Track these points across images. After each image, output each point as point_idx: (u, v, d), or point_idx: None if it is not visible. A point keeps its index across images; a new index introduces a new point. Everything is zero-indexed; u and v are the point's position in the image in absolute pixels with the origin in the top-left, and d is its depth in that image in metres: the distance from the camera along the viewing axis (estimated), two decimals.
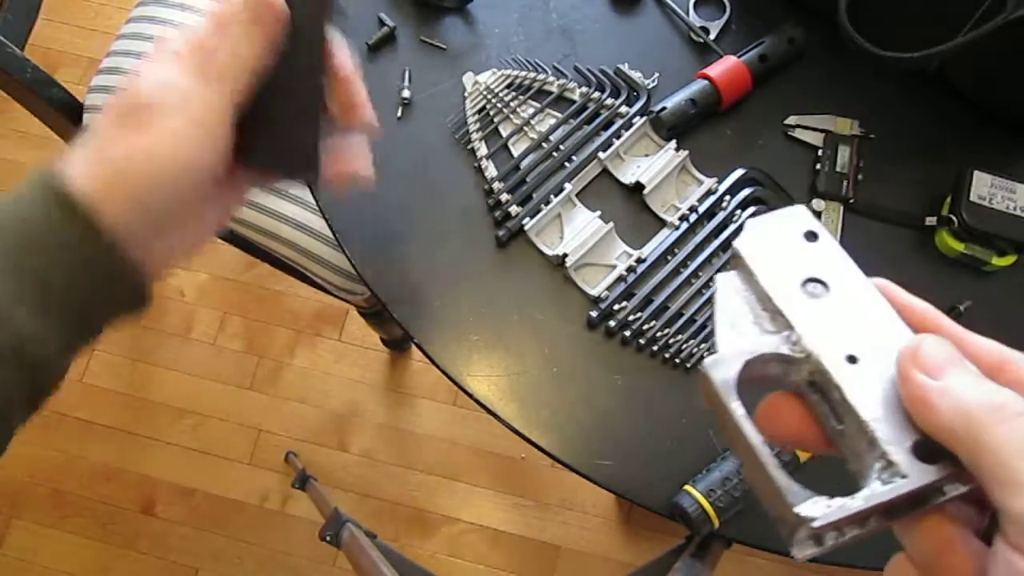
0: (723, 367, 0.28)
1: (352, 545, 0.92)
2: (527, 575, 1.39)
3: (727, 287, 0.31)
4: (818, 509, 0.25)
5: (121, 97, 0.35)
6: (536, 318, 0.66)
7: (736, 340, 0.30)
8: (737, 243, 0.31)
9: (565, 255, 0.67)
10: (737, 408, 0.27)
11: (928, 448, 0.26)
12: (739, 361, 0.29)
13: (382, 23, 0.74)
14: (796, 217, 0.32)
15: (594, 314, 0.66)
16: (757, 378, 0.29)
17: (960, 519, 0.27)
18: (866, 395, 0.27)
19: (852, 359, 0.28)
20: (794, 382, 0.30)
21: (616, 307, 0.66)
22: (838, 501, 0.26)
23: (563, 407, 0.64)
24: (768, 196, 0.69)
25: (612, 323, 0.66)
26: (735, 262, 0.32)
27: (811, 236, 0.32)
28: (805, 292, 0.30)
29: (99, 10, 1.72)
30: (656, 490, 0.62)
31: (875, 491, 0.26)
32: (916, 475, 0.26)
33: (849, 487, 0.27)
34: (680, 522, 0.61)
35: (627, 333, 0.66)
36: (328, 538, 0.94)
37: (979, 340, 0.29)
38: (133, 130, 0.34)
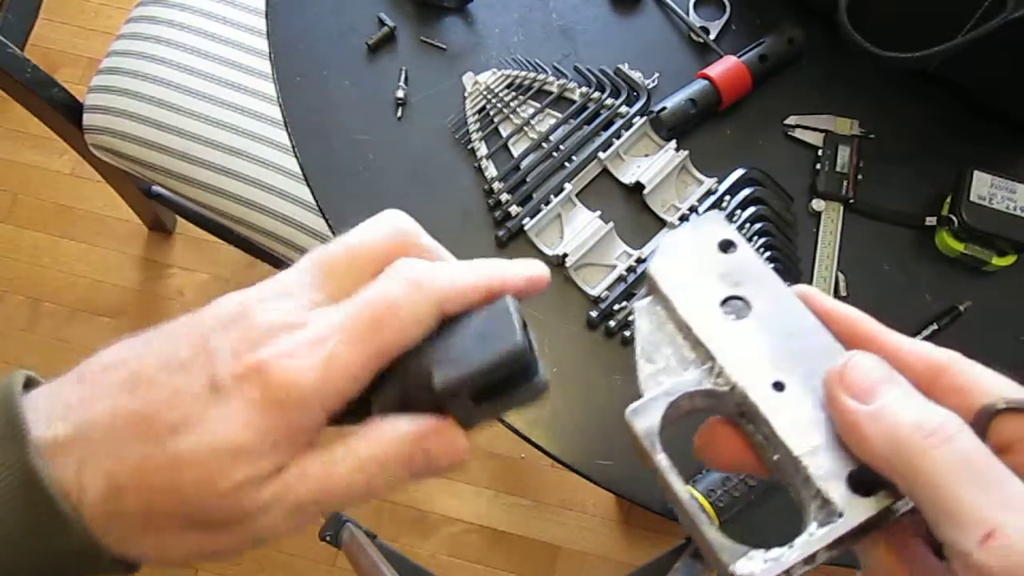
0: (645, 415, 0.27)
1: (352, 545, 0.92)
2: (527, 575, 1.39)
3: (644, 317, 0.30)
4: (754, 565, 0.24)
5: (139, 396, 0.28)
6: (536, 318, 0.66)
7: (657, 378, 0.28)
8: (650, 266, 0.30)
9: (565, 255, 0.67)
10: (662, 460, 0.26)
11: (866, 477, 0.25)
12: (661, 405, 0.27)
13: (382, 23, 0.74)
14: (710, 226, 0.31)
15: (594, 314, 0.66)
16: (687, 413, 0.29)
17: (916, 532, 0.26)
18: (796, 426, 0.26)
19: (779, 386, 0.27)
20: (725, 412, 0.29)
21: (616, 307, 0.66)
22: (775, 553, 0.25)
23: (563, 407, 0.64)
24: (768, 196, 0.69)
25: (612, 323, 0.66)
26: (650, 286, 0.30)
27: (727, 246, 0.30)
28: (725, 312, 0.29)
29: (99, 10, 1.72)
30: (656, 490, 0.62)
31: (811, 537, 0.25)
32: (853, 514, 0.25)
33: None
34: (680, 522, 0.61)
35: (627, 333, 0.66)
36: (328, 538, 0.94)
37: (912, 347, 0.28)
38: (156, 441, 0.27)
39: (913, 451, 0.24)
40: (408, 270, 0.29)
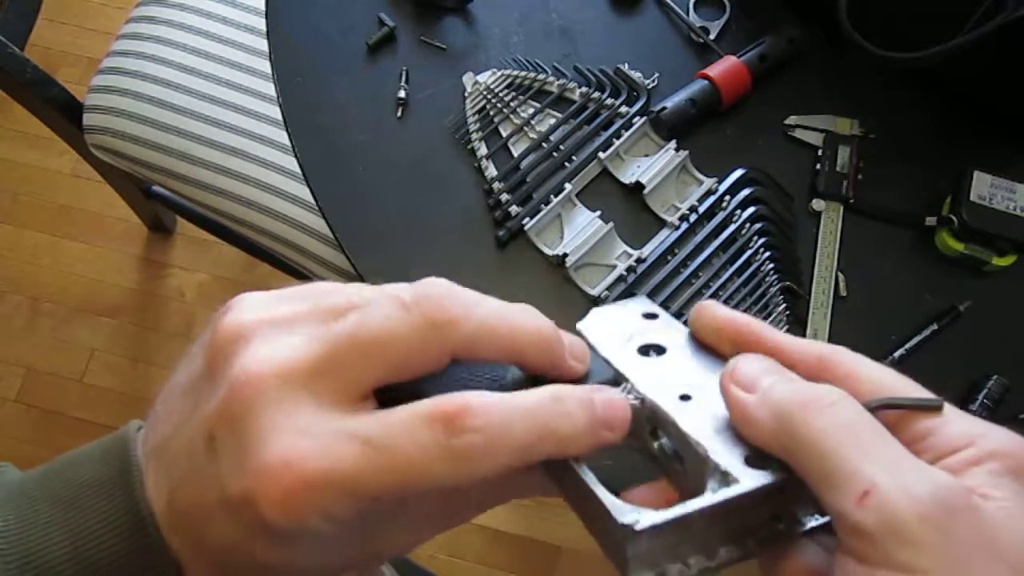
0: None
1: None
2: (527, 575, 1.39)
3: None
4: (643, 515, 0.24)
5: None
6: None
7: None
8: (580, 324, 0.33)
9: (565, 255, 0.67)
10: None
11: (760, 459, 0.26)
12: None
13: (382, 23, 0.74)
14: (637, 304, 0.35)
15: None
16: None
17: (823, 566, 0.26)
18: (699, 424, 0.28)
19: (685, 397, 0.29)
20: (641, 437, 0.30)
21: None
22: (669, 511, 0.25)
23: None
24: (768, 196, 0.69)
25: None
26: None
27: (651, 316, 0.34)
28: (641, 355, 0.31)
29: (99, 10, 1.72)
30: None
31: (707, 496, 0.25)
32: (748, 480, 0.25)
33: None
34: None
35: None
36: None
37: (798, 344, 0.29)
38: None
39: (795, 421, 0.25)
40: (432, 306, 0.27)
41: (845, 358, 0.28)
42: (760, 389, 0.27)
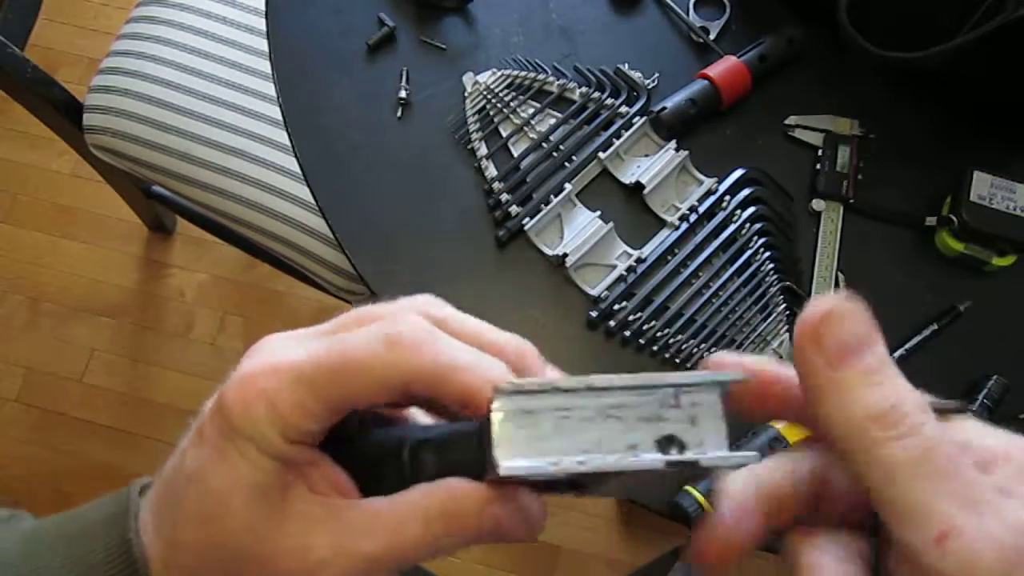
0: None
1: None
2: (527, 575, 1.39)
3: None
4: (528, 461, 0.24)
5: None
6: (536, 318, 0.66)
7: None
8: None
9: (565, 255, 0.67)
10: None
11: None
12: None
13: (382, 23, 0.74)
14: None
15: (594, 314, 0.66)
16: None
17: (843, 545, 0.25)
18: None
19: None
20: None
21: (616, 307, 0.66)
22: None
23: None
24: (768, 196, 0.69)
25: (612, 323, 0.66)
26: None
27: None
28: None
29: (99, 10, 1.72)
30: (656, 490, 0.62)
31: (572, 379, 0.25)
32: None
33: None
34: (680, 522, 0.61)
35: (627, 333, 0.66)
36: None
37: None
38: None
39: (870, 441, 0.22)
40: (398, 330, 0.26)
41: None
42: (842, 370, 0.23)
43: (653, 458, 0.24)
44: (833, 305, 0.24)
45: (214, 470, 0.27)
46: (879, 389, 0.23)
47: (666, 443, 0.24)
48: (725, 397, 0.25)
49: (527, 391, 0.24)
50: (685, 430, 0.24)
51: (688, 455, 0.24)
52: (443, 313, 0.29)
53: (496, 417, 0.24)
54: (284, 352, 0.27)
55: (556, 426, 0.24)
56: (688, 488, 0.61)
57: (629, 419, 0.25)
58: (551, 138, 0.71)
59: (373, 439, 0.31)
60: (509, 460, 0.24)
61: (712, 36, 0.75)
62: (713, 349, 0.66)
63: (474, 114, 0.72)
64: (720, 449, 0.24)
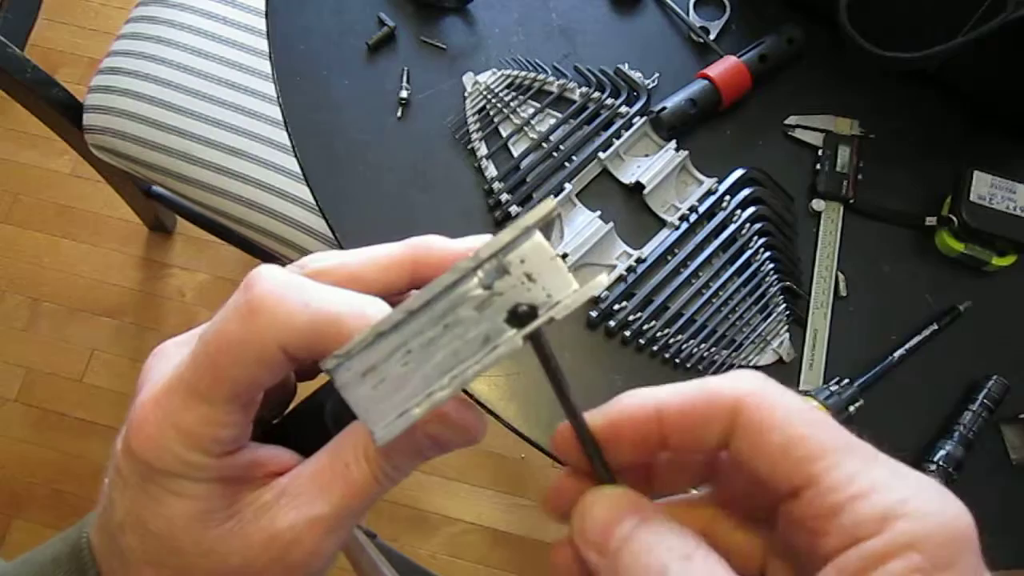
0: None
1: (352, 544, 0.92)
2: (527, 575, 1.39)
3: None
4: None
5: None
6: None
7: None
8: None
9: (565, 255, 0.67)
10: None
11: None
12: None
13: (382, 23, 0.74)
14: None
15: (594, 314, 0.66)
16: None
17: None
18: None
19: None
20: None
21: (616, 307, 0.66)
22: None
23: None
24: (768, 196, 0.69)
25: (612, 323, 0.66)
26: None
27: None
28: None
29: (99, 10, 1.72)
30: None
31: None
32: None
33: None
34: None
35: (627, 333, 0.66)
36: None
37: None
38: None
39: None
40: (252, 292, 0.24)
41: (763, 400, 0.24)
42: (610, 554, 0.23)
43: (512, 341, 0.22)
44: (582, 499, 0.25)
45: (148, 514, 0.25)
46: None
47: (516, 316, 0.22)
48: (548, 236, 0.23)
49: (350, 354, 0.23)
50: (526, 291, 0.22)
51: (543, 316, 0.22)
52: (320, 264, 0.27)
53: (344, 393, 0.23)
54: (164, 371, 0.26)
55: (404, 364, 0.23)
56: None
57: (467, 317, 0.23)
58: (551, 138, 0.71)
59: (296, 413, 0.30)
60: (382, 430, 0.23)
61: (712, 36, 0.75)
62: (713, 349, 0.66)
63: (474, 114, 0.72)
64: (568, 287, 0.23)
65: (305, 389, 0.32)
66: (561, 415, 0.26)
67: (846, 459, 0.22)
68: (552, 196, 0.22)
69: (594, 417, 0.26)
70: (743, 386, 0.24)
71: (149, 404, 0.25)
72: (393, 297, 0.26)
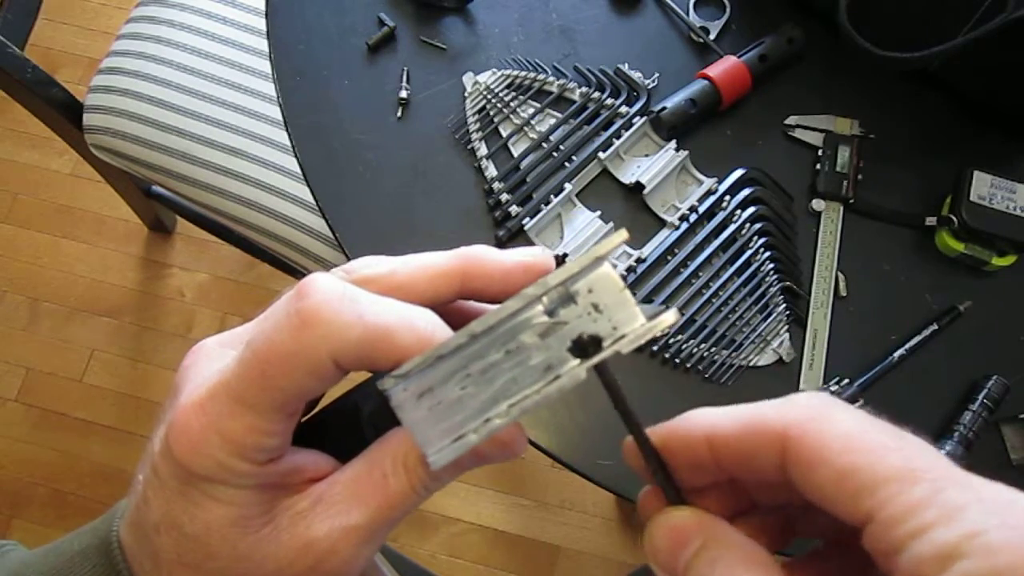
0: None
1: None
2: (527, 575, 1.39)
3: None
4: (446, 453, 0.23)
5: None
6: None
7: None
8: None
9: (565, 255, 0.67)
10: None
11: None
12: None
13: (382, 23, 0.74)
14: None
15: None
16: None
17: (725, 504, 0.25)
18: None
19: None
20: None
21: None
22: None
23: (563, 407, 0.64)
24: (768, 196, 0.69)
25: None
26: None
27: None
28: None
29: (99, 10, 1.72)
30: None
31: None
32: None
33: None
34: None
35: None
36: None
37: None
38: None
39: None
40: (305, 303, 0.23)
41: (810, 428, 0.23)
42: None
43: (575, 372, 0.22)
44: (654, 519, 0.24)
45: (186, 518, 0.25)
46: None
47: (580, 347, 0.22)
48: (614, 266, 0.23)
49: (408, 375, 0.22)
50: (592, 322, 0.22)
51: (608, 349, 0.22)
52: (369, 272, 0.26)
53: (400, 413, 0.23)
54: (209, 375, 0.25)
55: (462, 388, 0.22)
56: None
57: (530, 344, 0.22)
58: (551, 138, 0.71)
59: (330, 413, 0.30)
60: (436, 454, 0.22)
61: (712, 36, 0.75)
62: (713, 349, 0.66)
63: (474, 114, 0.72)
64: (635, 321, 0.22)
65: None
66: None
67: (906, 489, 0.20)
68: (624, 229, 0.22)
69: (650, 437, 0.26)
70: (791, 415, 0.22)
71: (193, 408, 0.25)
72: (440, 307, 0.26)
